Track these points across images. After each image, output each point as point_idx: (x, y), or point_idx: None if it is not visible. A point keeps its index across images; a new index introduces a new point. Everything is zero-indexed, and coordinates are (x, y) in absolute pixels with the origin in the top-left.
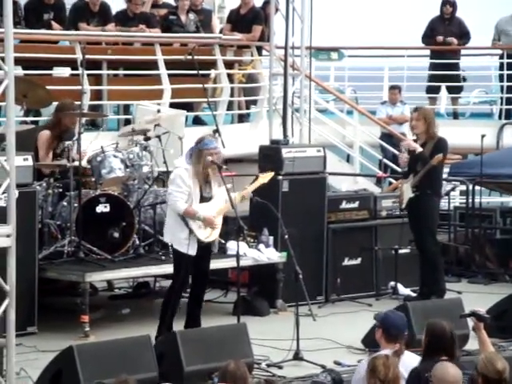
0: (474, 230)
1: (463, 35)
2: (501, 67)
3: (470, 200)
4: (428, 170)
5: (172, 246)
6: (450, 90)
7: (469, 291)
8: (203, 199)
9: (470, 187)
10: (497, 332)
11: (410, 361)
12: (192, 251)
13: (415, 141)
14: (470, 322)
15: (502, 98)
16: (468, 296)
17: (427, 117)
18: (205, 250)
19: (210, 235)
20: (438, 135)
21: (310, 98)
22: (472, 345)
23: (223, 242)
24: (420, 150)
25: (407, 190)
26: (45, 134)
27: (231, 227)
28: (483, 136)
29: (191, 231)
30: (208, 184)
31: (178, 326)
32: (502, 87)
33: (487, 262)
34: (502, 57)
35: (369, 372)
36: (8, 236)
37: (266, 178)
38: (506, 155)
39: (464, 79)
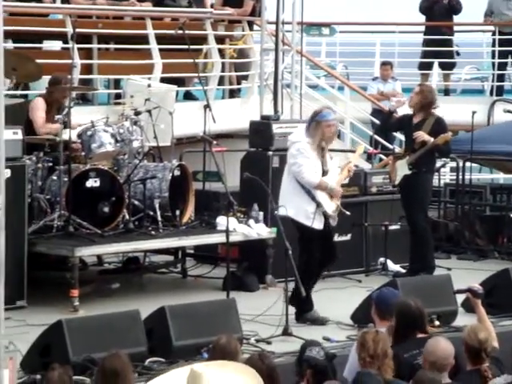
0: (463, 207)
1: (456, 11)
2: (493, 44)
3: (461, 177)
4: (430, 148)
5: (296, 220)
6: (442, 66)
7: (458, 268)
8: (323, 172)
9: (461, 164)
10: (486, 308)
11: None
12: (319, 225)
13: (412, 116)
14: (459, 298)
15: (493, 75)
16: (457, 272)
17: (426, 93)
18: (327, 224)
19: (336, 208)
20: (436, 114)
21: (301, 73)
22: (461, 321)
23: (348, 213)
24: (432, 140)
25: (402, 167)
26: (39, 100)
27: (221, 203)
28: (474, 113)
29: (319, 204)
30: (325, 157)
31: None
32: (493, 64)
33: (477, 238)
34: (494, 33)
35: (359, 346)
36: None
37: (360, 150)
38: (497, 131)
39: (458, 53)
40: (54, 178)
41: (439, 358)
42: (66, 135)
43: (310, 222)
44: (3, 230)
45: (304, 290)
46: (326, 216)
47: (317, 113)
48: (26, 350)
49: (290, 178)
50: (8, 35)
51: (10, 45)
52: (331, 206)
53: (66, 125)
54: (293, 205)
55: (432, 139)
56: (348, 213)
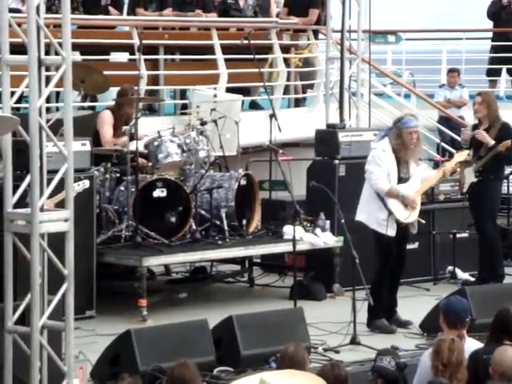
0: None
1: None
2: None
3: None
4: (493, 155)
5: (368, 226)
6: (511, 72)
7: None
8: (400, 180)
9: None
10: None
11: (471, 347)
12: (391, 232)
13: (478, 125)
14: None
15: None
16: None
17: (489, 101)
18: (403, 231)
19: (409, 216)
20: (502, 120)
21: (369, 81)
22: None
23: (423, 221)
24: (493, 143)
25: (469, 175)
26: (106, 114)
27: (288, 211)
28: None
29: (390, 212)
30: (406, 165)
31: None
32: None
33: None
34: None
35: (433, 353)
36: (66, 221)
37: (461, 156)
38: None
39: None
40: (122, 188)
41: (507, 368)
42: (133, 146)
43: (382, 229)
44: (72, 240)
45: (373, 297)
46: (400, 223)
47: (399, 119)
48: (95, 359)
49: (369, 184)
50: (76, 47)
51: (78, 57)
52: (404, 214)
53: (133, 137)
54: (366, 210)
55: (493, 142)
56: (423, 221)
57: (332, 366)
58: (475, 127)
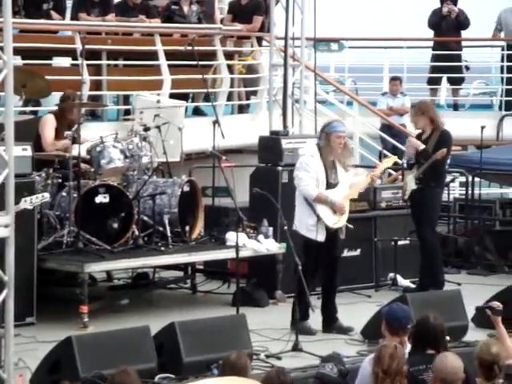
0: (473, 222)
1: (464, 26)
2: (502, 59)
3: (470, 191)
4: (431, 163)
5: (298, 232)
6: (451, 81)
7: (468, 283)
8: (329, 185)
9: (470, 179)
10: None
11: None
12: (320, 237)
13: (421, 134)
14: (470, 313)
15: (502, 90)
16: (467, 287)
17: (426, 110)
18: (333, 236)
19: (338, 221)
20: (443, 127)
21: (315, 89)
22: (471, 336)
23: (351, 227)
24: (423, 147)
25: (410, 182)
26: (49, 117)
27: (231, 218)
28: (483, 127)
29: (319, 217)
30: (334, 170)
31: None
32: (502, 78)
33: (486, 253)
34: (503, 48)
35: (374, 360)
36: (6, 226)
37: (389, 161)
38: (506, 148)
39: (467, 68)
40: (64, 194)
41: (449, 373)
42: (75, 151)
43: (311, 235)
44: (13, 246)
45: (299, 299)
46: (329, 229)
47: (327, 124)
48: (35, 366)
49: (299, 190)
50: (17, 52)
51: (20, 61)
52: (332, 219)
53: (75, 140)
54: (297, 217)
55: (422, 146)
56: (351, 226)
57: (277, 373)
58: (418, 137)
